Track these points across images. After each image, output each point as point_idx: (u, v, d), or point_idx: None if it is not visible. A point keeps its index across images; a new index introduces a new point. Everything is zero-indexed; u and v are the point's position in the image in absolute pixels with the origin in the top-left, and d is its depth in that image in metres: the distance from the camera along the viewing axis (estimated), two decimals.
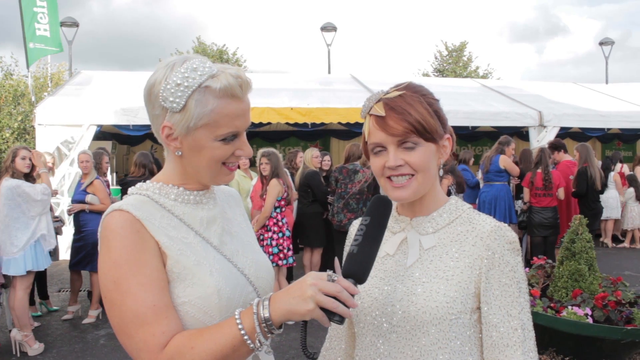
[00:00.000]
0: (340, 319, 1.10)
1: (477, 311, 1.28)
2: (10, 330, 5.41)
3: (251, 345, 1.13)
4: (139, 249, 1.21)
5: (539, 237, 7.44)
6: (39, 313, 6.42)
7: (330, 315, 1.09)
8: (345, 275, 1.15)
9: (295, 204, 7.13)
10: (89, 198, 6.10)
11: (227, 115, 1.25)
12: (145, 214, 1.25)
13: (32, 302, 6.44)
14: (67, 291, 7.23)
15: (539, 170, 7.35)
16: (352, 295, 1.11)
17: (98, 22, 67.78)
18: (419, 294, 1.27)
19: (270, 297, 1.14)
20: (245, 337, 1.12)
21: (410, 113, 1.27)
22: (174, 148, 1.29)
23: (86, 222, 6.13)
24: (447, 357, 1.26)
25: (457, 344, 1.26)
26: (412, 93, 1.31)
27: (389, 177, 1.31)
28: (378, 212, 1.23)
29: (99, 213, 5.88)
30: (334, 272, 1.15)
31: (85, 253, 6.11)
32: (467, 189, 8.60)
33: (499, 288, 1.25)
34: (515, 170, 7.81)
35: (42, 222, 5.32)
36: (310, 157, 7.37)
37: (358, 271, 1.16)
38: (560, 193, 7.38)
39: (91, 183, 6.15)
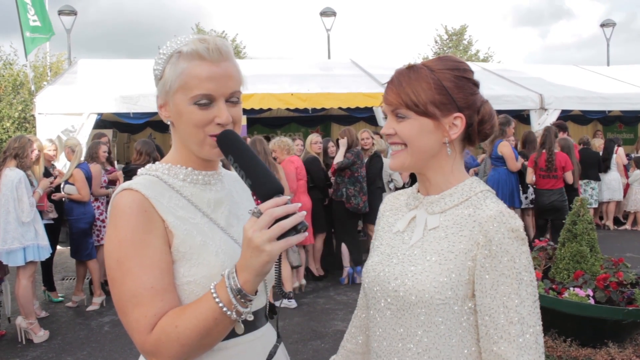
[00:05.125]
0: (302, 228, 1.10)
1: (473, 299, 1.24)
2: (9, 319, 5.46)
3: (232, 316, 1.15)
4: (144, 229, 1.22)
5: (542, 219, 7.41)
6: (61, 298, 6.49)
7: (289, 234, 1.10)
8: (264, 199, 1.14)
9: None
10: (66, 188, 6.14)
11: (196, 77, 1.27)
12: (154, 194, 1.27)
13: (52, 288, 6.52)
14: (71, 279, 7.26)
15: (544, 151, 7.26)
16: (287, 204, 1.11)
17: (105, 11, 67.67)
18: (410, 274, 1.27)
19: (235, 267, 1.15)
20: (225, 309, 1.14)
21: (403, 87, 1.29)
22: (164, 117, 1.35)
23: (69, 210, 6.19)
24: (431, 340, 1.25)
25: (442, 329, 1.24)
26: (425, 66, 1.31)
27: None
28: (232, 146, 1.24)
29: (80, 202, 6.08)
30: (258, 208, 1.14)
31: (71, 240, 6.17)
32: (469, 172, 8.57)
33: (495, 277, 1.19)
34: (511, 159, 7.46)
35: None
36: (309, 143, 7.34)
37: (268, 187, 1.16)
38: (568, 176, 7.22)
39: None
